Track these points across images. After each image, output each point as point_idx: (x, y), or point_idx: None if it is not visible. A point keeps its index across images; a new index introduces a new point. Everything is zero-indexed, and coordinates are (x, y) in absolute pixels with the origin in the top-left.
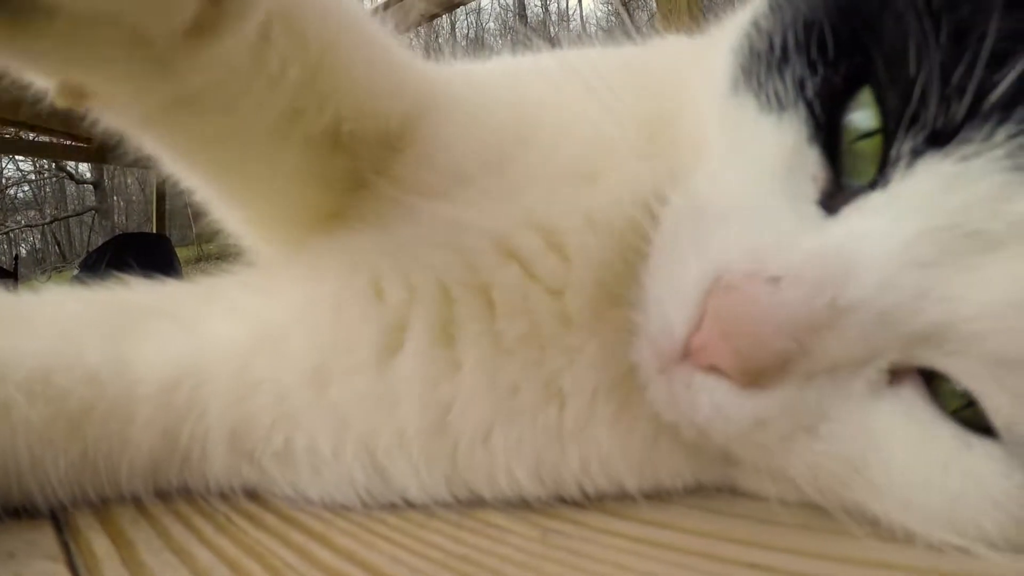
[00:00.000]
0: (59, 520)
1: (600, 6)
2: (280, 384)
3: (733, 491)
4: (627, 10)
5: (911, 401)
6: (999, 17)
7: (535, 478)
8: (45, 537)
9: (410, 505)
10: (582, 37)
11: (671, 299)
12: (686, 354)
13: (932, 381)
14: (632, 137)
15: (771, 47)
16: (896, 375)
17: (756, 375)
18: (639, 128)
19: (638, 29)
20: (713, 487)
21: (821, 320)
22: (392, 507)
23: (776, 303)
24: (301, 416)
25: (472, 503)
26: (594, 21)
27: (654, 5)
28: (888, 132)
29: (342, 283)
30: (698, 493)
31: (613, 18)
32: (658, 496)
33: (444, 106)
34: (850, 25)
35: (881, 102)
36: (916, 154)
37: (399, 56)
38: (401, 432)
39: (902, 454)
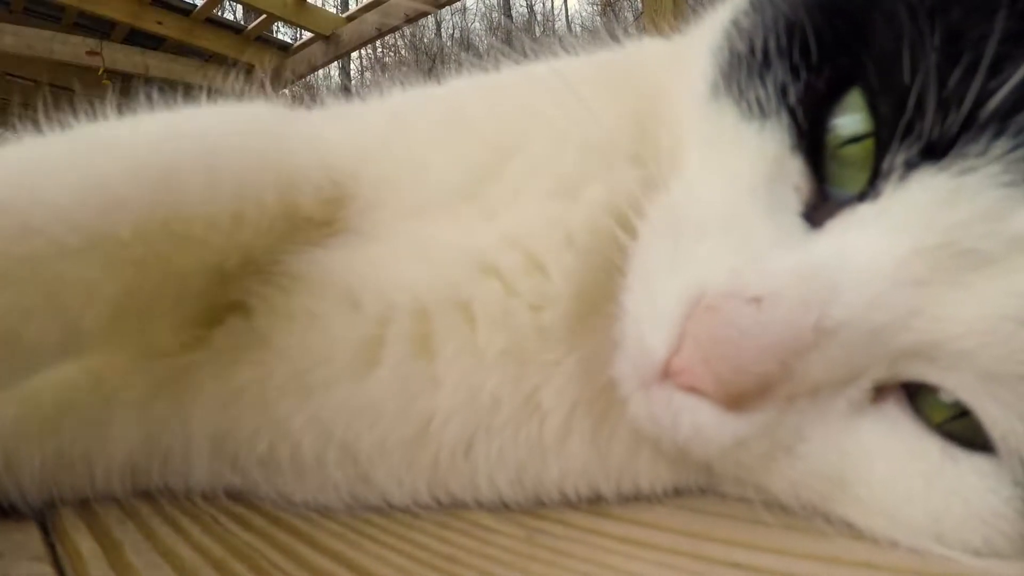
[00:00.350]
0: (45, 521)
1: (585, 6)
2: (262, 391)
3: (718, 493)
4: (612, 10)
5: (894, 417)
6: (1002, 18)
7: (517, 485)
8: (31, 538)
9: (395, 507)
10: (567, 37)
11: (649, 319)
12: (666, 375)
13: (916, 395)
14: (616, 144)
15: (752, 50)
16: (880, 391)
17: (737, 398)
18: (622, 135)
19: (624, 29)
20: (697, 490)
21: (805, 342)
22: (378, 508)
23: (758, 325)
24: (284, 423)
25: (458, 504)
26: (579, 21)
27: (640, 4)
28: (880, 141)
29: (317, 296)
30: (684, 493)
31: (598, 18)
32: (645, 497)
33: (384, 153)
34: (835, 26)
35: (872, 108)
36: (910, 166)
37: (287, 147)
38: (382, 441)
39: (885, 470)
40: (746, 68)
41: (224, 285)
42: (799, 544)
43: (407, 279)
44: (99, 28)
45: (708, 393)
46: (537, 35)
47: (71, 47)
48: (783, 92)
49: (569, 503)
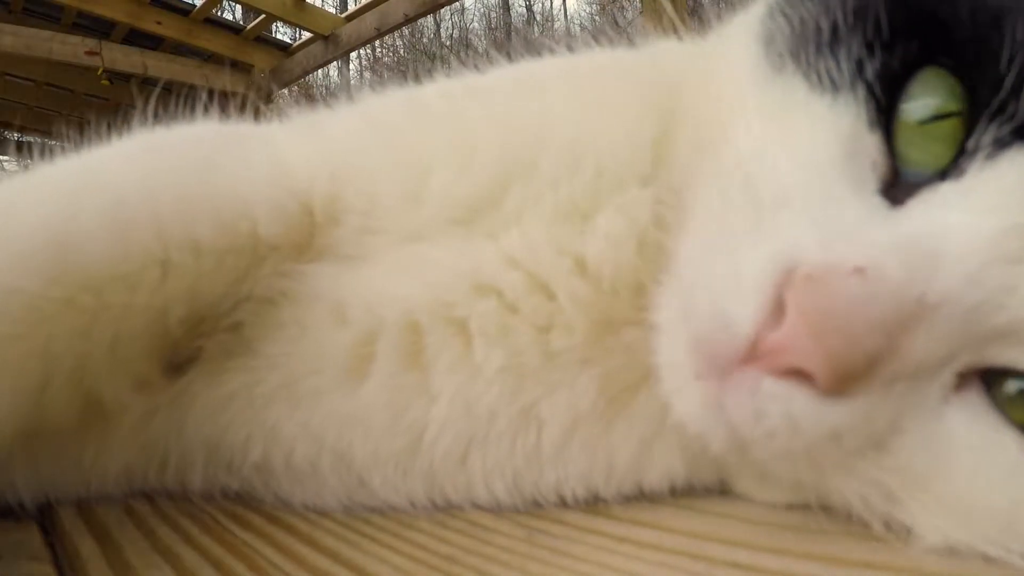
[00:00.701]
0: (45, 521)
1: (584, 6)
2: (251, 397)
3: (721, 492)
4: (612, 9)
5: (976, 407)
6: None
7: (514, 491)
8: (31, 538)
9: (394, 507)
10: (567, 36)
11: (728, 292)
12: (751, 356)
13: (991, 385)
14: (631, 162)
15: (818, 28)
16: (962, 379)
17: (845, 379)
18: (639, 149)
19: (624, 29)
20: (701, 488)
21: (911, 316)
22: (377, 508)
23: (866, 297)
24: (275, 429)
25: (455, 506)
26: (578, 21)
27: (639, 4)
28: (965, 120)
29: (305, 308)
30: (686, 493)
31: (598, 18)
32: (647, 497)
33: (370, 169)
34: (909, 6)
35: (959, 87)
36: (1001, 145)
37: (248, 172)
38: (375, 450)
39: (969, 465)
40: (814, 44)
41: (176, 336)
42: (799, 544)
43: (397, 295)
44: (98, 28)
45: (815, 373)
46: (536, 35)
47: (70, 47)
48: (859, 67)
49: (568, 504)
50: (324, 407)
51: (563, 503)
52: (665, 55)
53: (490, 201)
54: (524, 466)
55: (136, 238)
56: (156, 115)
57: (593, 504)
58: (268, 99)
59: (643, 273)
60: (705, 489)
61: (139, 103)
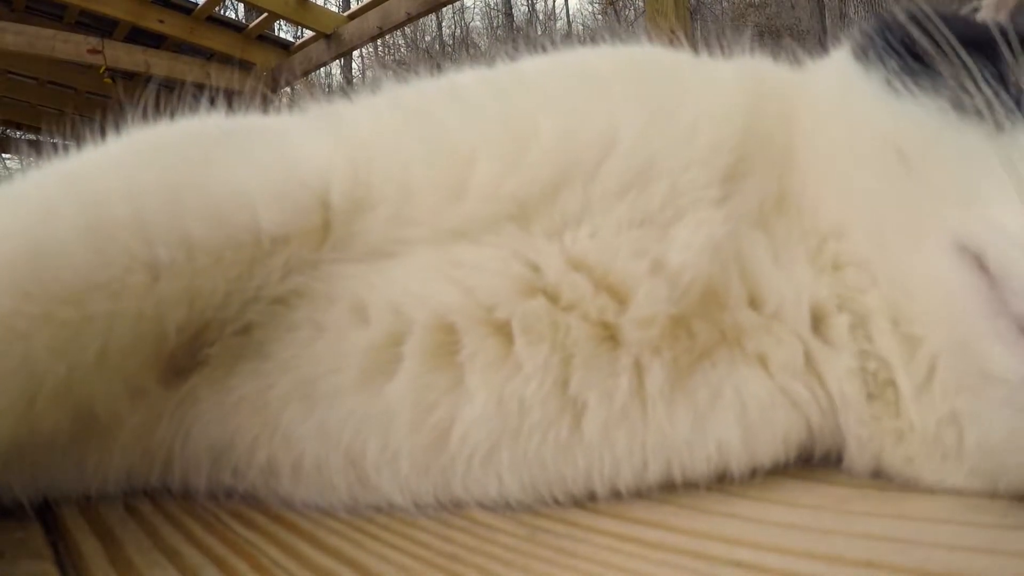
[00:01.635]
0: (47, 520)
1: (586, 5)
2: (264, 401)
3: (724, 490)
4: (614, 9)
5: None
6: None
7: (528, 488)
8: (33, 537)
9: (396, 507)
10: (569, 36)
11: None
12: None
13: None
14: (710, 185)
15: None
16: None
17: None
18: (718, 172)
19: (626, 29)
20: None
21: None
22: (380, 507)
23: None
24: (287, 432)
25: (460, 504)
26: (580, 20)
27: (641, 4)
28: None
29: (320, 309)
30: (688, 492)
31: (600, 17)
32: (647, 494)
33: (400, 160)
34: None
35: None
36: None
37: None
38: (393, 449)
39: None
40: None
41: (175, 343)
42: (802, 543)
43: (430, 298)
44: (101, 26)
45: None
46: (538, 34)
47: (73, 45)
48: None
49: (576, 502)
50: (343, 408)
51: (575, 501)
52: (764, 73)
53: (542, 199)
54: (551, 458)
55: (117, 241)
56: (156, 111)
57: (595, 502)
58: (274, 90)
59: (715, 277)
60: (707, 488)
61: (137, 100)
